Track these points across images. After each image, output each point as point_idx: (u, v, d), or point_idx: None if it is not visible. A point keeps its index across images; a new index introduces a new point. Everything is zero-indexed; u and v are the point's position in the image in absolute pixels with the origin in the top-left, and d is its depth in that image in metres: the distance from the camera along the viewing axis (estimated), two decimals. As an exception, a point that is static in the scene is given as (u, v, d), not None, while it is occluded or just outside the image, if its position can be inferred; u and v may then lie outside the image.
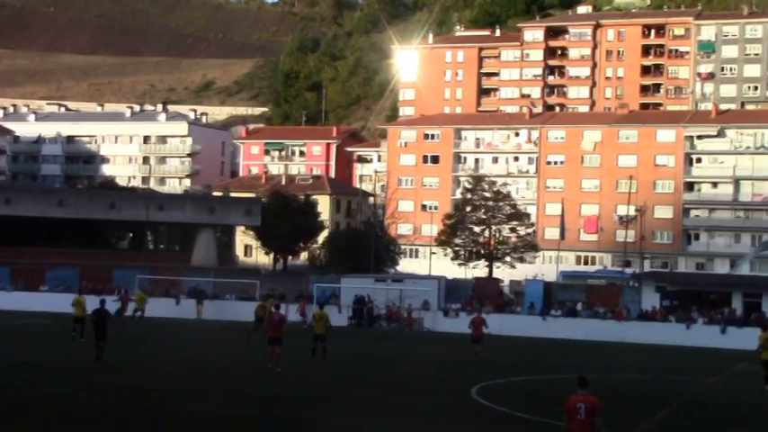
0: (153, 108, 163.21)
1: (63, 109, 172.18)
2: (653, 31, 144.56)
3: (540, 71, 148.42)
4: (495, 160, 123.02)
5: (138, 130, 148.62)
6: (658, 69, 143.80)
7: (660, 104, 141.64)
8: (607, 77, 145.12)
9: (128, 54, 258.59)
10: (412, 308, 65.54)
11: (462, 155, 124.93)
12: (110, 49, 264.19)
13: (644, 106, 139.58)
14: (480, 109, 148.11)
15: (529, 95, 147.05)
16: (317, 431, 23.19)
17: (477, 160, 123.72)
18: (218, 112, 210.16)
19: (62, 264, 75.88)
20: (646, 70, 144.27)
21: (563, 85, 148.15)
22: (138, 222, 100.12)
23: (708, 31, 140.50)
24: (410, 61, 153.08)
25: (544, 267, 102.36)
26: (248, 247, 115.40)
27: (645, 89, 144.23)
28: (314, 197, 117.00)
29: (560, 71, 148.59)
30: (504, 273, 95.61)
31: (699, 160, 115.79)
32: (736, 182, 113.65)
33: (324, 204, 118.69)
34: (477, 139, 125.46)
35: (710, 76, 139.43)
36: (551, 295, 67.57)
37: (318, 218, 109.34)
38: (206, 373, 33.29)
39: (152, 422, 23.17)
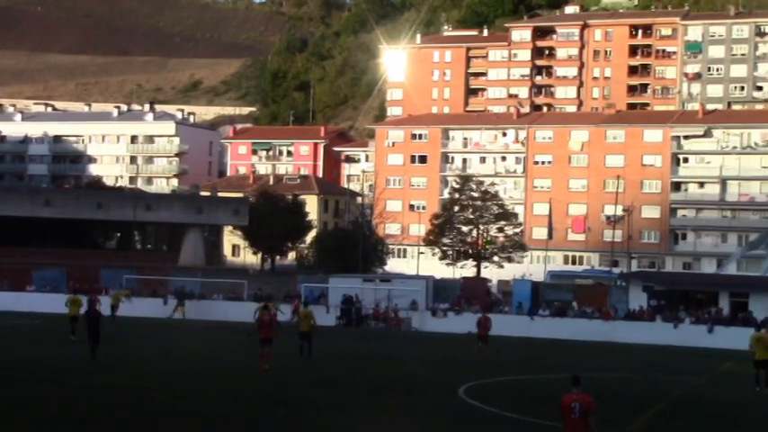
0: (140, 108, 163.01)
1: (50, 108, 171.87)
2: (640, 32, 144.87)
3: (527, 71, 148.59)
4: (483, 160, 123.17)
5: (125, 130, 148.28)
6: (645, 69, 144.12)
7: (647, 104, 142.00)
8: (594, 77, 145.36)
9: (115, 54, 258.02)
10: (398, 308, 65.50)
11: (450, 155, 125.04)
12: (97, 48, 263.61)
13: (631, 106, 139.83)
14: (468, 109, 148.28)
15: (516, 95, 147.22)
16: (303, 430, 23.17)
17: (464, 160, 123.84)
18: (206, 112, 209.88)
19: (49, 264, 75.54)
20: (633, 70, 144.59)
21: (550, 85, 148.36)
22: (125, 222, 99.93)
23: (695, 31, 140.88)
24: (398, 61, 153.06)
25: (532, 267, 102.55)
26: (236, 247, 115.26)
27: (632, 89, 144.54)
28: (302, 197, 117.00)
29: (548, 71, 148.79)
30: (492, 272, 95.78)
31: (686, 160, 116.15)
32: (723, 182, 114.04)
33: (311, 204, 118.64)
34: (465, 138, 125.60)
35: (697, 77, 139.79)
36: (539, 295, 67.60)
37: (306, 218, 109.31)
38: (197, 373, 33.23)
39: (147, 423, 23.12)
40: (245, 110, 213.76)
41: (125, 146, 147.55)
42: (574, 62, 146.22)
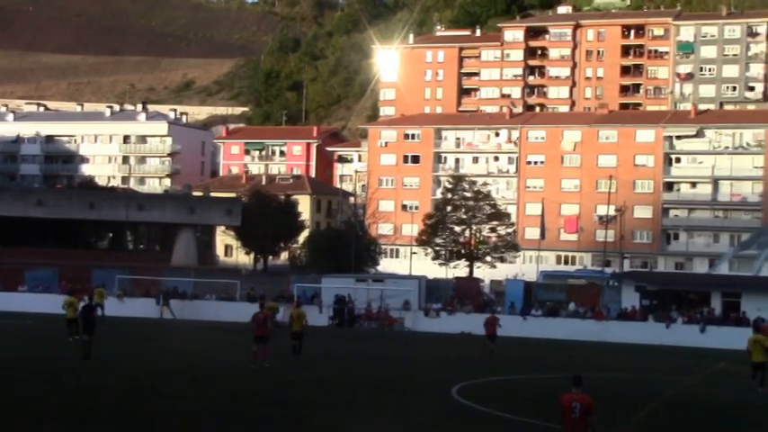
0: (133, 108, 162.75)
1: (42, 108, 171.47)
2: (632, 32, 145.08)
3: (520, 71, 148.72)
4: (476, 160, 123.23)
5: (117, 130, 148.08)
6: (638, 69, 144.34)
7: (639, 105, 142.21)
8: (587, 77, 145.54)
9: (107, 53, 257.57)
10: (389, 307, 65.50)
11: (443, 155, 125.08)
12: (89, 48, 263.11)
13: (623, 106, 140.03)
14: (461, 109, 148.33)
15: (509, 95, 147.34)
16: (298, 430, 23.17)
17: (457, 160, 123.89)
18: (199, 112, 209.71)
19: (41, 264, 75.39)
20: (625, 70, 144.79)
21: (543, 85, 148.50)
22: (117, 222, 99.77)
23: (687, 31, 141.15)
24: (391, 61, 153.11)
25: (524, 267, 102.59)
26: (228, 247, 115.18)
27: (624, 89, 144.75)
28: (294, 197, 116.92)
29: (540, 71, 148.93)
30: (485, 272, 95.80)
31: (678, 160, 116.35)
32: (715, 182, 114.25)
33: (304, 204, 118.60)
34: (458, 138, 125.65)
35: (689, 77, 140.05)
36: (532, 295, 67.66)
37: (299, 218, 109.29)
38: (194, 373, 33.16)
39: (143, 423, 23.11)
40: (238, 110, 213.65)
41: (117, 146, 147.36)
42: (566, 62, 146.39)
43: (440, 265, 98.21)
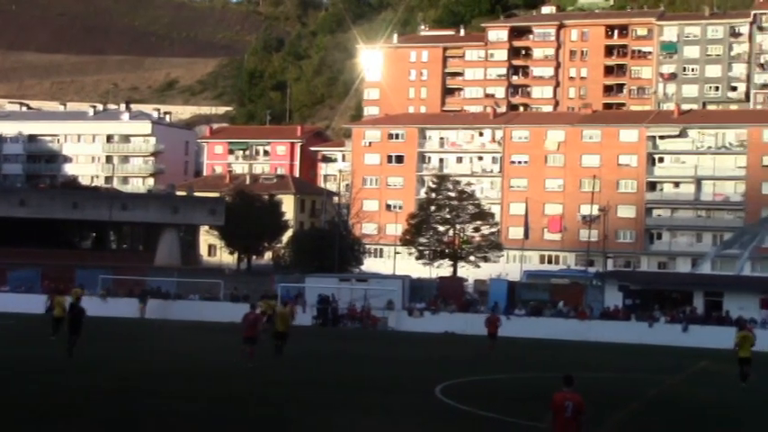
0: (116, 107, 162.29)
1: (25, 108, 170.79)
2: (616, 32, 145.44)
3: (504, 71, 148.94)
4: (460, 160, 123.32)
5: (100, 130, 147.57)
6: (621, 69, 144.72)
7: (623, 104, 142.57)
8: (570, 77, 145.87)
9: (90, 53, 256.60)
10: (371, 306, 65.55)
11: (426, 154, 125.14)
12: (72, 47, 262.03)
13: (607, 106, 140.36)
14: (444, 108, 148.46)
15: (493, 95, 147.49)
16: (284, 430, 23.19)
17: (441, 160, 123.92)
18: (182, 112, 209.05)
19: (24, 264, 75.22)
20: (609, 70, 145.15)
21: (527, 84, 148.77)
22: (101, 222, 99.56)
23: (670, 31, 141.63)
24: (375, 61, 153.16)
25: (508, 267, 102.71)
26: (212, 247, 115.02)
27: (608, 89, 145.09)
28: (278, 197, 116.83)
29: (524, 71, 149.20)
30: (469, 272, 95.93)
31: (661, 160, 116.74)
32: (698, 181, 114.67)
33: (288, 204, 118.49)
34: (442, 138, 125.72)
35: (673, 77, 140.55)
36: (515, 294, 67.80)
37: (283, 217, 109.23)
38: (181, 373, 33.13)
39: (132, 422, 23.10)
40: (222, 109, 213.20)
41: (101, 145, 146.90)
42: (550, 62, 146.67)
43: (423, 264, 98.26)
